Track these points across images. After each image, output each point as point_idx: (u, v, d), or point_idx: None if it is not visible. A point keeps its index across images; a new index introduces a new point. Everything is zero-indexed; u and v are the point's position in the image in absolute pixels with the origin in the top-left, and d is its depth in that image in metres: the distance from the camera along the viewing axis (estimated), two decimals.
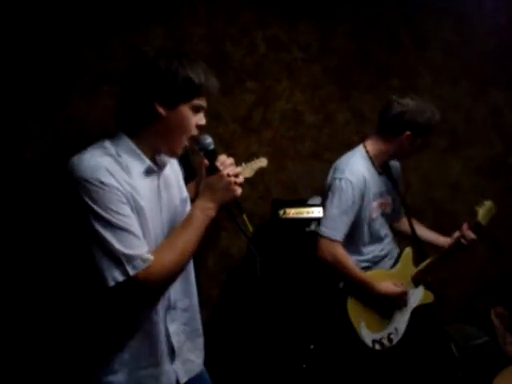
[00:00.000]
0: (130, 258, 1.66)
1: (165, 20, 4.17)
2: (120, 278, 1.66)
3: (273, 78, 4.34)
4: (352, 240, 2.97)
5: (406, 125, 2.85)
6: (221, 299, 4.36)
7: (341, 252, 2.88)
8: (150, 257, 1.71)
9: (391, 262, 3.07)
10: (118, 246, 1.66)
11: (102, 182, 1.66)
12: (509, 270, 4.39)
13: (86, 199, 1.65)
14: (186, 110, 1.78)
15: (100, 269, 1.67)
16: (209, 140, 1.87)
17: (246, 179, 3.27)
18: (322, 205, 3.01)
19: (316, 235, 2.93)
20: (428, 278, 3.13)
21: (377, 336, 2.92)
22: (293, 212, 3.96)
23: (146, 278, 1.68)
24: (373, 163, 2.96)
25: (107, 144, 1.78)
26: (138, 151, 1.80)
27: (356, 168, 2.90)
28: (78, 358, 1.88)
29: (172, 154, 1.88)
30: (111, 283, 1.66)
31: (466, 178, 4.40)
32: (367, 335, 2.89)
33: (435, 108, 2.91)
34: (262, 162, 3.63)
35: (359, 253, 3.00)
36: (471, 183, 4.39)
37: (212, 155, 1.85)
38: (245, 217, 1.87)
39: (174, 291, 1.90)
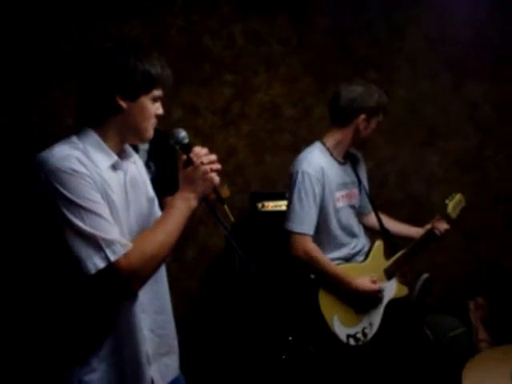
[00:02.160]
0: (109, 243, 1.65)
1: (143, 12, 4.15)
2: (101, 264, 1.64)
3: (251, 70, 4.34)
4: (323, 236, 2.96)
5: (359, 109, 2.89)
6: (199, 292, 4.36)
7: (312, 246, 2.87)
8: (129, 242, 1.71)
9: (362, 258, 3.07)
10: (94, 231, 1.65)
11: (74, 170, 1.67)
12: (484, 262, 4.44)
13: (60, 188, 1.65)
14: (146, 101, 1.82)
15: (79, 258, 1.65)
16: (183, 134, 1.87)
17: (225, 174, 3.26)
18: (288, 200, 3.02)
19: (288, 234, 2.92)
20: (401, 270, 3.14)
21: (351, 331, 2.90)
22: (271, 205, 3.97)
23: (126, 266, 1.66)
24: (331, 154, 2.98)
25: (74, 139, 1.80)
26: (105, 146, 1.81)
27: (313, 159, 2.92)
28: (56, 357, 1.86)
29: (141, 141, 1.91)
30: (92, 271, 1.64)
31: (443, 170, 4.44)
32: (341, 330, 2.87)
33: (380, 89, 2.96)
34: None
35: (333, 248, 2.98)
36: (448, 176, 4.42)
37: (187, 149, 1.85)
38: (226, 207, 1.87)
39: (144, 293, 1.87)
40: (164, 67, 1.84)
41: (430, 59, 4.36)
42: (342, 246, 3.00)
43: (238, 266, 3.81)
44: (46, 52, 3.95)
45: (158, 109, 1.87)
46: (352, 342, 2.89)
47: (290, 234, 2.89)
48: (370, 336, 2.95)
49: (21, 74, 3.92)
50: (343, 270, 2.92)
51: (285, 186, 4.17)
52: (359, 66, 4.35)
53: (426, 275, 3.89)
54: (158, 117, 1.87)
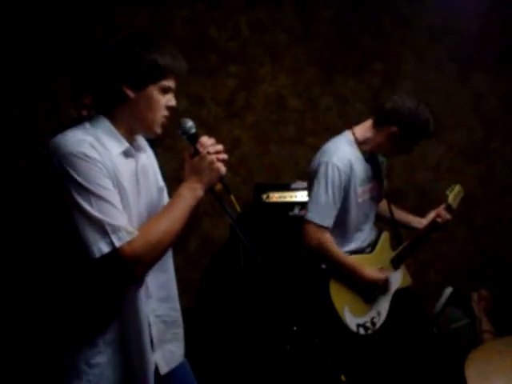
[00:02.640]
0: (115, 229, 1.68)
1: (148, 2, 4.14)
2: (105, 249, 1.67)
3: (256, 61, 4.33)
4: (337, 228, 2.94)
5: (395, 120, 2.85)
6: (203, 283, 4.37)
7: (329, 239, 2.87)
8: (134, 230, 1.73)
9: (369, 249, 3.08)
10: (101, 216, 1.68)
11: (86, 155, 1.69)
12: (489, 254, 4.44)
13: (71, 172, 1.68)
14: (153, 91, 1.82)
15: (85, 241, 1.68)
16: (190, 124, 1.88)
17: (230, 165, 3.27)
18: (308, 189, 3.00)
19: (301, 221, 2.92)
20: (407, 260, 3.16)
21: (360, 320, 2.93)
22: (276, 196, 3.96)
23: (130, 253, 1.68)
24: (359, 149, 2.94)
25: (87, 125, 1.82)
26: (116, 133, 1.83)
27: (343, 153, 2.88)
28: (63, 339, 1.88)
29: (150, 133, 1.91)
30: (96, 255, 1.67)
31: (448, 161, 4.43)
32: (351, 320, 2.90)
33: (432, 120, 2.92)
34: None
35: (345, 240, 2.98)
36: (453, 167, 4.42)
37: (194, 139, 1.86)
38: (232, 197, 1.87)
39: (151, 280, 1.91)
40: (176, 58, 1.83)
41: (435, 51, 4.35)
42: (353, 239, 3.01)
43: (242, 256, 3.82)
44: (51, 43, 3.96)
45: (169, 100, 1.87)
46: (362, 331, 2.92)
47: (307, 223, 2.87)
48: (378, 325, 2.98)
49: (27, 66, 3.93)
50: (354, 260, 2.94)
51: (289, 178, 4.19)
52: (365, 57, 4.34)
53: (450, 289, 3.93)
54: (169, 108, 1.87)
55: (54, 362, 1.90)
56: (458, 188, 3.12)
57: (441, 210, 3.04)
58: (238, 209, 1.89)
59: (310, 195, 2.95)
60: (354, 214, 2.96)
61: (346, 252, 2.97)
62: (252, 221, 3.91)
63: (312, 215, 2.87)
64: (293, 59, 4.35)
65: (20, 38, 3.89)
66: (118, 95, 1.80)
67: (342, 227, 2.96)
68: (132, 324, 1.85)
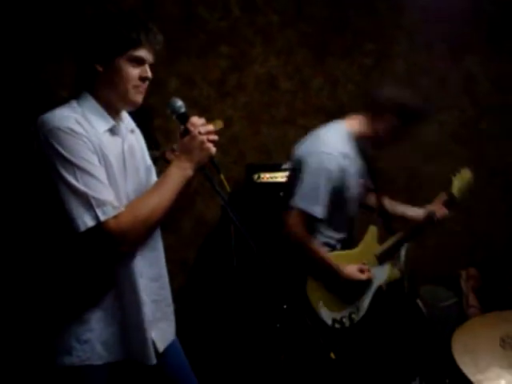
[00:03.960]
0: (100, 203, 1.70)
1: None
2: (90, 222, 1.69)
3: (247, 42, 4.32)
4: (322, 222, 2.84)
5: (393, 108, 2.73)
6: (196, 263, 4.39)
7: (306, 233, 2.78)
8: (121, 206, 1.75)
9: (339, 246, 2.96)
10: (86, 189, 1.70)
11: (72, 130, 1.72)
12: (479, 234, 4.48)
13: (57, 146, 1.70)
14: (122, 63, 1.81)
15: (70, 215, 1.70)
16: (179, 103, 1.89)
17: (221, 145, 3.27)
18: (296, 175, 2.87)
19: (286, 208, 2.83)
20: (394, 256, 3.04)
21: (337, 315, 2.86)
22: (267, 176, 3.97)
23: (116, 227, 1.71)
24: (351, 142, 2.82)
25: (74, 104, 1.84)
26: (102, 110, 1.85)
27: (336, 143, 2.77)
28: (53, 315, 1.90)
29: (128, 105, 1.90)
30: (81, 228, 1.69)
31: (439, 142, 4.44)
32: (326, 315, 2.84)
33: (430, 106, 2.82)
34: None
35: (324, 234, 2.89)
36: (444, 148, 4.43)
37: (184, 118, 1.87)
38: (222, 177, 1.89)
39: (141, 259, 1.92)
40: (146, 29, 1.82)
41: (427, 32, 4.34)
42: (331, 232, 2.92)
43: (233, 236, 3.84)
44: (40, 25, 3.93)
45: (143, 72, 1.86)
46: (337, 325, 2.85)
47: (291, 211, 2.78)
48: (356, 320, 2.90)
49: (18, 51, 3.90)
50: (334, 257, 2.84)
51: (280, 158, 4.19)
52: (356, 38, 4.33)
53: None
54: (143, 79, 1.86)
55: (44, 339, 1.92)
56: (467, 176, 2.79)
57: (438, 204, 2.93)
58: (228, 188, 1.90)
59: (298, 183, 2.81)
60: (343, 209, 2.87)
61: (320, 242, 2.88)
62: (243, 201, 3.92)
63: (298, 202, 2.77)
64: (284, 40, 4.34)
65: (10, 22, 3.86)
66: (91, 71, 1.82)
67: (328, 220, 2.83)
68: (125, 300, 1.88)
